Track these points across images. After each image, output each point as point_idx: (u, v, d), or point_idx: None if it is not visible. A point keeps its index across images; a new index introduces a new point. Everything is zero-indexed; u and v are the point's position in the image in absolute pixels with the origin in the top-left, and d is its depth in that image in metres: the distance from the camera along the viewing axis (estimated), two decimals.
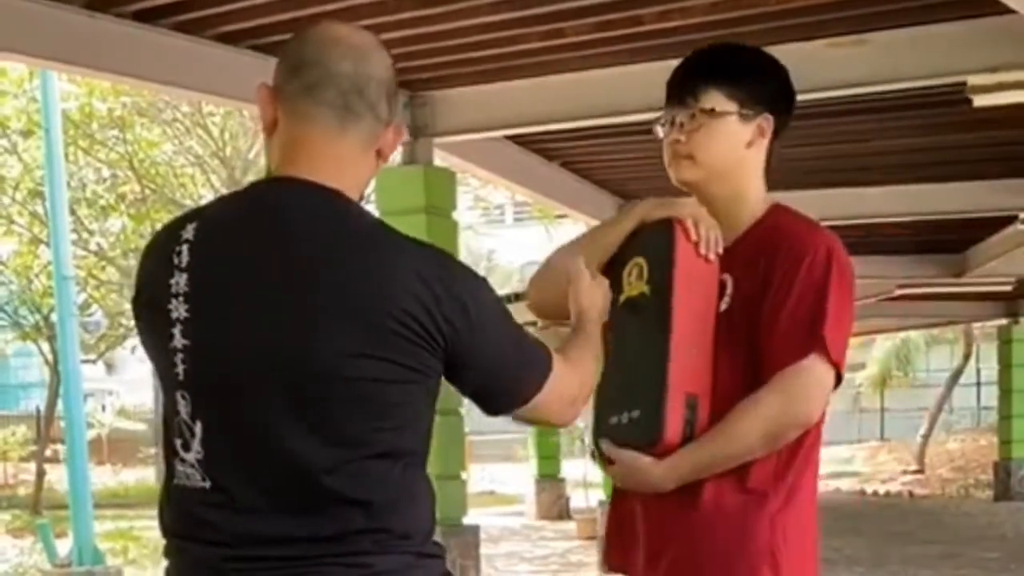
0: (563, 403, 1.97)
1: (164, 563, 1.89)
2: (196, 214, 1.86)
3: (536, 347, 1.92)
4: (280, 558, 1.74)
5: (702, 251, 2.28)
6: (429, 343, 1.75)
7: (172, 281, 1.77)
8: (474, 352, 1.81)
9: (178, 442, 1.80)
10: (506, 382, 1.89)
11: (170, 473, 1.83)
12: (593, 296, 2.24)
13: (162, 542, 1.88)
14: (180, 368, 1.77)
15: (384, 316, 1.72)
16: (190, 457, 1.78)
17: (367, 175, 1.91)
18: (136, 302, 1.89)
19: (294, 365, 1.73)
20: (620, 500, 2.46)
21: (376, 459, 1.76)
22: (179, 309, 1.76)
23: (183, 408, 1.78)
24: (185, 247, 1.78)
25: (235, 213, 1.85)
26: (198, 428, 1.77)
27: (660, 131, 2.40)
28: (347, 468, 1.74)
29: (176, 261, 1.77)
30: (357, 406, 1.74)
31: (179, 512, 1.83)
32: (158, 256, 1.83)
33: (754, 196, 2.39)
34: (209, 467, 1.77)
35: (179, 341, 1.77)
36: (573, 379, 1.99)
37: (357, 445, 1.75)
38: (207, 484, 1.77)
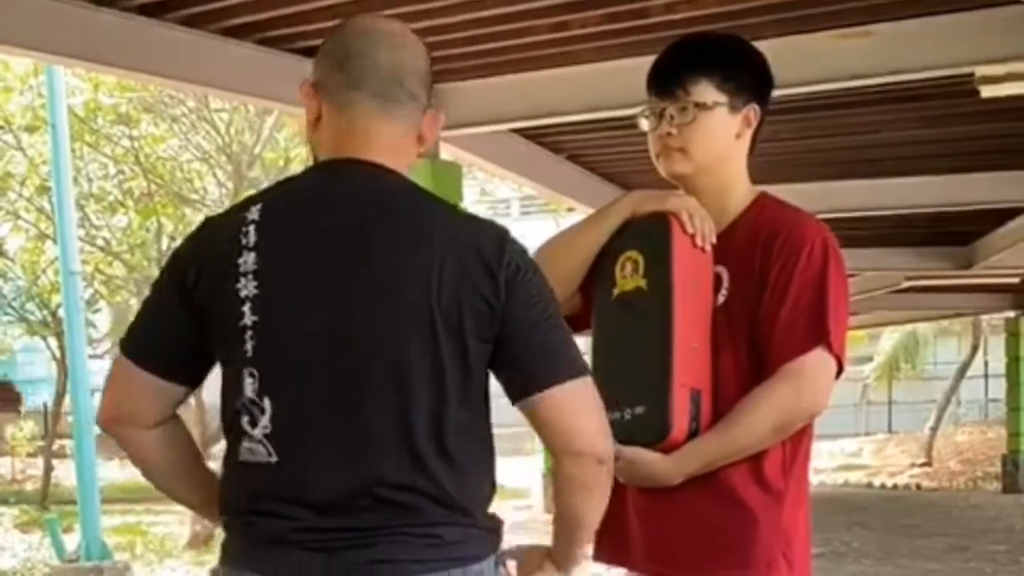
0: (590, 414, 1.86)
1: (222, 539, 1.92)
2: (260, 197, 1.92)
3: (577, 349, 1.91)
4: (349, 529, 1.78)
5: (698, 243, 2.27)
6: (489, 314, 1.79)
7: (240, 260, 1.81)
8: (524, 323, 1.82)
9: (244, 419, 1.82)
10: (544, 353, 1.84)
11: (233, 453, 1.86)
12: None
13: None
14: (249, 345, 1.80)
15: (447, 289, 1.77)
16: (257, 433, 1.81)
17: (410, 159, 1.96)
18: (184, 277, 1.85)
19: (362, 341, 1.77)
20: (612, 493, 2.45)
21: (436, 434, 1.79)
22: (248, 287, 1.80)
23: (249, 385, 1.81)
24: (252, 227, 1.82)
25: (299, 194, 1.90)
26: (267, 403, 1.80)
27: (644, 123, 2.40)
28: (415, 441, 1.78)
29: (244, 241, 1.81)
30: (424, 380, 1.78)
31: (244, 488, 1.86)
32: (220, 238, 1.86)
33: (741, 186, 2.41)
34: (277, 442, 1.80)
35: (249, 318, 1.80)
36: (601, 412, 1.90)
37: (425, 419, 1.78)
38: (274, 459, 1.80)
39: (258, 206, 1.85)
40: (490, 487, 1.91)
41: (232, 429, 1.85)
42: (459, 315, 1.77)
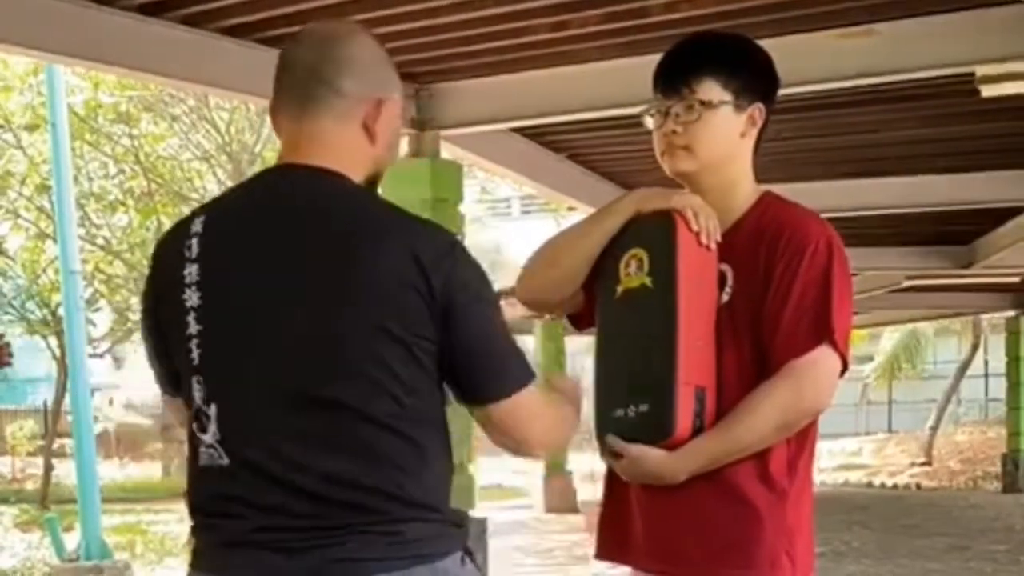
0: (533, 422, 1.93)
1: (191, 543, 1.94)
2: (203, 209, 1.97)
3: (523, 356, 1.93)
4: (308, 529, 1.79)
5: (703, 241, 2.27)
6: (431, 315, 1.79)
7: (184, 272, 1.85)
8: (465, 329, 1.82)
9: (196, 425, 1.87)
10: (489, 368, 1.87)
11: (194, 457, 1.89)
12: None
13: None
14: (195, 353, 1.85)
15: (388, 291, 1.77)
16: (208, 438, 1.85)
17: (358, 153, 1.94)
18: (148, 300, 1.97)
19: (302, 344, 1.79)
20: (615, 491, 2.46)
21: (391, 431, 1.80)
22: (192, 298, 1.84)
23: (198, 392, 1.85)
24: (195, 240, 1.87)
25: (234, 203, 1.95)
26: (213, 410, 1.84)
27: (650, 122, 2.40)
28: (369, 440, 1.79)
29: (187, 254, 1.86)
30: (367, 381, 1.78)
31: (205, 491, 1.89)
32: (169, 252, 1.91)
33: (745, 185, 2.40)
34: (227, 445, 1.83)
35: (193, 328, 1.84)
36: (552, 412, 1.98)
37: (377, 418, 1.79)
38: (226, 462, 1.83)
39: (201, 218, 1.90)
40: (447, 482, 1.91)
41: (190, 434, 1.89)
42: (396, 312, 1.77)
